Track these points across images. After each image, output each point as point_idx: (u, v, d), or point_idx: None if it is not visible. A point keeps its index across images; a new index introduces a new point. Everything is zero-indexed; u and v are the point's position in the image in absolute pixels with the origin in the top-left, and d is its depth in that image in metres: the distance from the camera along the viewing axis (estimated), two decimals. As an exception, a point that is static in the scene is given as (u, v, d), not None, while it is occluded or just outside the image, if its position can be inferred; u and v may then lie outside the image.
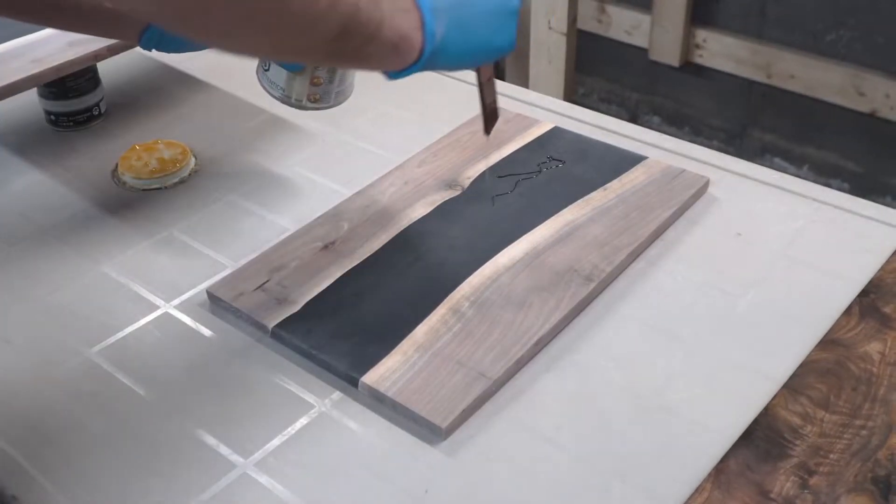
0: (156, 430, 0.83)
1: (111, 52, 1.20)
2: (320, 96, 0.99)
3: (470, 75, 0.91)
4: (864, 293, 0.94)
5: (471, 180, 1.10)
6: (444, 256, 0.99)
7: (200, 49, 1.00)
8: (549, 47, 2.52)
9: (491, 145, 1.16)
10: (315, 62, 0.82)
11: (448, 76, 1.36)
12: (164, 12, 0.63)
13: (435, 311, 0.91)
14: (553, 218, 1.03)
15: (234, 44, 0.71)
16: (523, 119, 1.22)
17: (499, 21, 0.83)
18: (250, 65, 0.98)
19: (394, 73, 0.79)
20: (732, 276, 0.98)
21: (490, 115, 0.95)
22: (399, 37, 0.74)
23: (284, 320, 0.91)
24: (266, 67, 1.00)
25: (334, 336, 0.89)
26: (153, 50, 0.97)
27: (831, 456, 0.78)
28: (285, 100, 1.00)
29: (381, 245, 1.00)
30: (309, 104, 1.00)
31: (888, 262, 0.98)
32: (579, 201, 1.06)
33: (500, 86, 1.32)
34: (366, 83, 1.05)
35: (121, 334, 0.93)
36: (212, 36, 0.68)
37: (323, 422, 0.83)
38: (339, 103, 1.02)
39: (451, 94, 1.33)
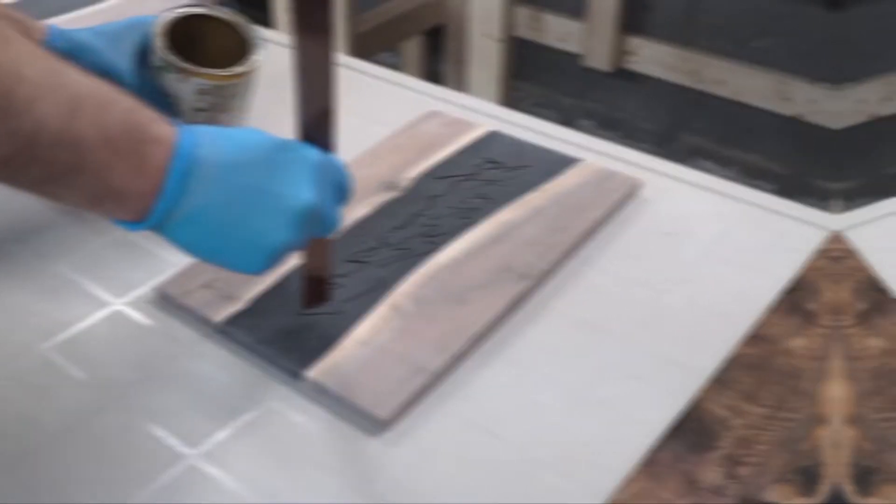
0: (106, 423, 0.84)
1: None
2: None
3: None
4: (789, 290, 0.96)
5: (410, 182, 1.12)
6: (384, 255, 1.00)
7: None
8: (485, 54, 2.55)
9: (429, 148, 1.18)
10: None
11: (389, 82, 1.38)
12: None
13: (376, 308, 0.93)
14: (490, 218, 1.05)
15: None
16: (461, 123, 1.24)
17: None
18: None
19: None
20: (662, 273, 1.00)
21: (312, 284, 0.90)
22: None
23: (231, 316, 0.92)
24: None
25: (279, 332, 0.90)
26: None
27: (758, 447, 0.80)
28: None
29: (323, 244, 1.02)
30: None
31: (812, 260, 1.00)
32: (515, 202, 1.08)
33: (438, 91, 1.35)
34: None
35: (73, 330, 0.93)
36: None
37: (269, 415, 0.84)
38: None
39: (391, 98, 1.35)
